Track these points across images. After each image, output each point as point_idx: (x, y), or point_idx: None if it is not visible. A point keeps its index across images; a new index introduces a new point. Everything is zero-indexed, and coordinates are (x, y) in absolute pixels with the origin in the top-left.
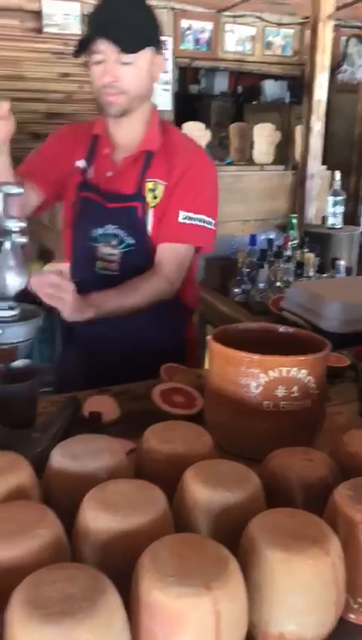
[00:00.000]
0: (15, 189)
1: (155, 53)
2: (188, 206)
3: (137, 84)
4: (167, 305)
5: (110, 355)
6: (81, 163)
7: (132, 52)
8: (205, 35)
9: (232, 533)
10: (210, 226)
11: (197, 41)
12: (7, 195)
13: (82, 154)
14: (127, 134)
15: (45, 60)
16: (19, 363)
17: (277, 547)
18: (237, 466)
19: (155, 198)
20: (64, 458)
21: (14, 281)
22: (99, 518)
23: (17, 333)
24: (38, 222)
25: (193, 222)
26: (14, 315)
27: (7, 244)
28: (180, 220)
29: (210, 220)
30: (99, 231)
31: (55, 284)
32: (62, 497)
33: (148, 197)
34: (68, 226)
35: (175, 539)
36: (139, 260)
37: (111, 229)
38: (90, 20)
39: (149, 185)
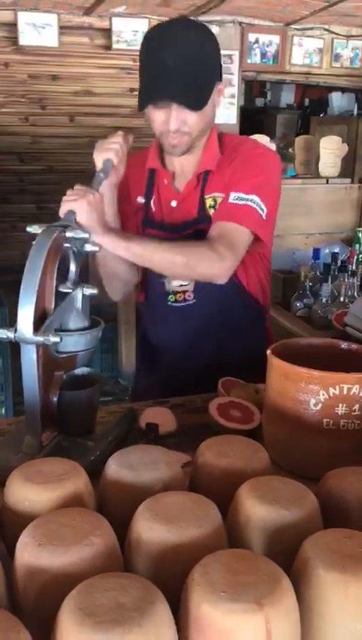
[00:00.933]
0: (93, 247)
1: (218, 82)
2: (240, 187)
3: (202, 124)
4: (248, 312)
5: (189, 371)
6: (141, 199)
7: (199, 109)
8: (272, 49)
9: (286, 552)
10: (260, 211)
11: (264, 55)
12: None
13: (141, 189)
14: (187, 160)
15: (113, 75)
16: (79, 371)
17: (332, 568)
18: (294, 484)
19: None
20: (120, 468)
21: (75, 324)
22: (152, 530)
23: (77, 343)
24: None
25: (244, 202)
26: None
27: (79, 293)
28: (231, 200)
29: (260, 203)
30: None
31: (82, 189)
32: (117, 506)
33: (211, 213)
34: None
35: (227, 554)
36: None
37: None
38: (146, 62)
39: (209, 201)
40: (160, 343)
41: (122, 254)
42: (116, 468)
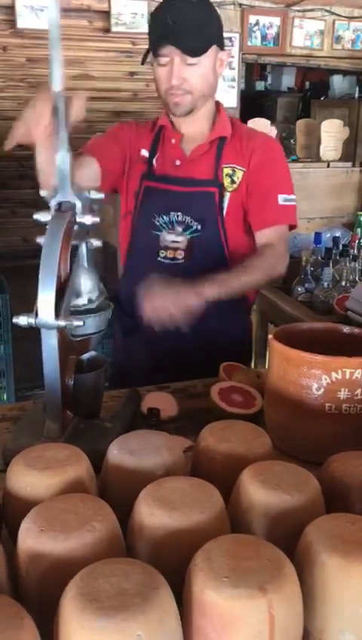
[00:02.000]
0: (96, 195)
1: (219, 50)
2: (284, 188)
3: (202, 84)
4: (230, 300)
5: (172, 351)
6: (145, 152)
7: (196, 55)
8: (273, 31)
9: (289, 537)
10: (295, 204)
11: (264, 37)
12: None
13: (147, 143)
14: (194, 127)
15: (113, 58)
16: (87, 355)
17: (334, 553)
18: (296, 469)
19: (233, 183)
20: (121, 453)
21: (86, 283)
22: (154, 515)
23: (92, 325)
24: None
25: (291, 203)
26: (92, 308)
27: (83, 248)
28: (281, 202)
29: (294, 197)
30: (163, 219)
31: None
32: (118, 492)
33: (226, 182)
34: (126, 217)
35: (230, 539)
36: (207, 246)
37: (176, 215)
38: (153, 24)
39: (227, 170)
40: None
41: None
42: (117, 453)
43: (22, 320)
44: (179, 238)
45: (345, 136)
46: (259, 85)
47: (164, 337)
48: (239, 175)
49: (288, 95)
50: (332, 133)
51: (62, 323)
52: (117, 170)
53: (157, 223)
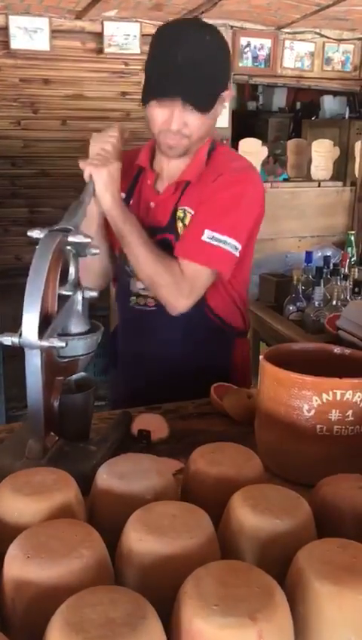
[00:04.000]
0: (94, 250)
1: (224, 90)
2: (218, 226)
3: (202, 129)
4: (210, 330)
5: (154, 378)
6: (123, 194)
7: (206, 112)
8: (264, 52)
9: (279, 563)
10: (235, 252)
11: (255, 58)
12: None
13: (125, 186)
14: (174, 164)
15: (105, 79)
16: (76, 375)
17: (326, 580)
18: (287, 492)
19: (184, 226)
20: (110, 477)
21: (77, 328)
22: (143, 541)
23: (79, 347)
24: None
25: (218, 243)
26: (81, 331)
27: (79, 296)
28: (204, 238)
29: (235, 243)
30: (131, 267)
31: (104, 151)
32: (107, 517)
33: (179, 226)
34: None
35: (220, 566)
36: None
37: None
38: (157, 58)
39: (179, 213)
40: (120, 346)
41: (115, 230)
42: (106, 477)
43: (6, 339)
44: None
45: (336, 156)
46: (251, 105)
47: (143, 367)
48: (188, 218)
49: (279, 115)
50: (322, 152)
51: (45, 343)
52: None
53: (128, 269)
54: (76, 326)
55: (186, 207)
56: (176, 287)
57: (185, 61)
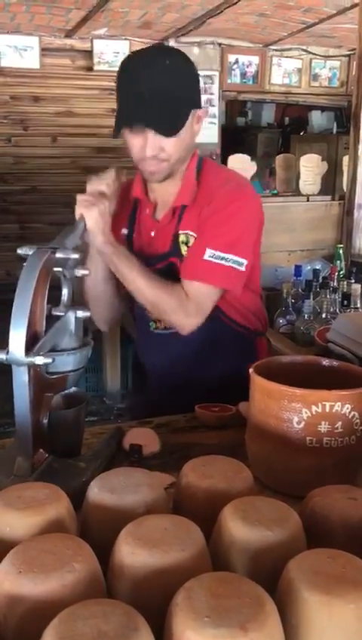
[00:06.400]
0: (82, 271)
1: (196, 109)
2: (216, 244)
3: (179, 151)
4: (230, 335)
5: (180, 390)
6: (125, 230)
7: (173, 135)
8: (252, 69)
9: (270, 574)
10: (239, 267)
11: (244, 75)
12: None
13: (125, 220)
14: (167, 190)
15: (95, 96)
16: (67, 391)
17: (316, 590)
18: (278, 504)
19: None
20: (102, 491)
21: (67, 346)
22: (134, 554)
23: (68, 363)
24: None
25: (220, 261)
26: (70, 347)
27: (71, 316)
28: (206, 257)
29: (238, 259)
30: None
31: (96, 193)
32: (99, 531)
33: (183, 249)
34: None
35: (211, 577)
36: None
37: None
38: (122, 91)
39: (182, 237)
40: (146, 367)
41: (111, 268)
42: (98, 491)
43: None
44: None
45: (324, 171)
46: (240, 121)
47: (168, 382)
48: (192, 241)
49: (268, 130)
50: (310, 167)
51: (32, 360)
52: None
53: None
54: (67, 344)
55: (188, 231)
56: (181, 309)
57: (148, 88)
